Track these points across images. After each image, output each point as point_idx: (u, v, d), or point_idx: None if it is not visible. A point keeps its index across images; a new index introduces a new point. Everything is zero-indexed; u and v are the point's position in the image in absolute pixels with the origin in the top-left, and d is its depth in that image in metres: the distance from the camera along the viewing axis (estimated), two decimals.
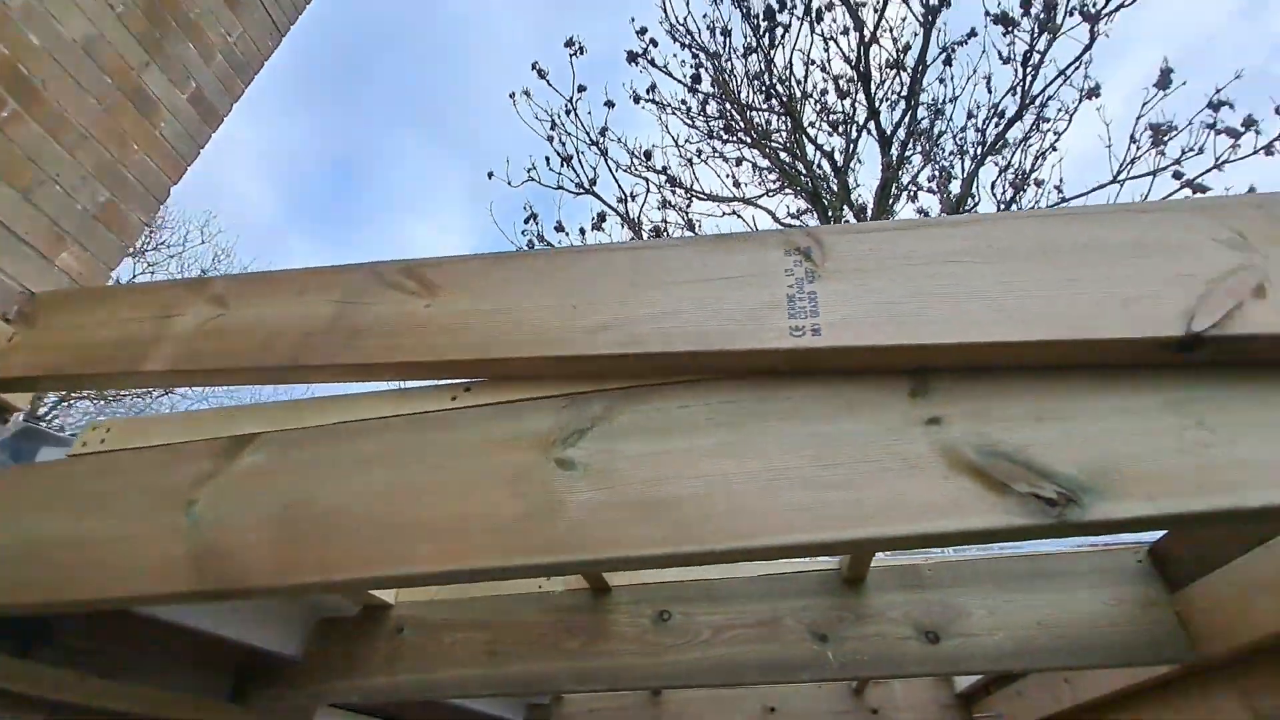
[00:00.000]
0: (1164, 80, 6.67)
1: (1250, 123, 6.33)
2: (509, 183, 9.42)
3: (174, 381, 1.32)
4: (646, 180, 9.60)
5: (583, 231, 9.62)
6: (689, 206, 9.79)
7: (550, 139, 9.36)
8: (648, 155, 9.52)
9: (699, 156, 9.78)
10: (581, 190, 9.47)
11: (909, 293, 0.93)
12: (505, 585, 2.18)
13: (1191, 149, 6.69)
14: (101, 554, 1.06)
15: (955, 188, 8.56)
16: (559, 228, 9.33)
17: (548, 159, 9.38)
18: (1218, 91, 6.46)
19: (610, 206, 9.54)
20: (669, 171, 9.60)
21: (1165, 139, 6.84)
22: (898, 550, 1.88)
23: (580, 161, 9.39)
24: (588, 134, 9.35)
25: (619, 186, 9.88)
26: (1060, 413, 0.82)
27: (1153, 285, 0.84)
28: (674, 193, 9.73)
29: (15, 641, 1.45)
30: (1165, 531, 1.63)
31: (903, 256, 0.97)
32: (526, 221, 9.42)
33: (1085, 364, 0.84)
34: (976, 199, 8.39)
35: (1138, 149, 7.06)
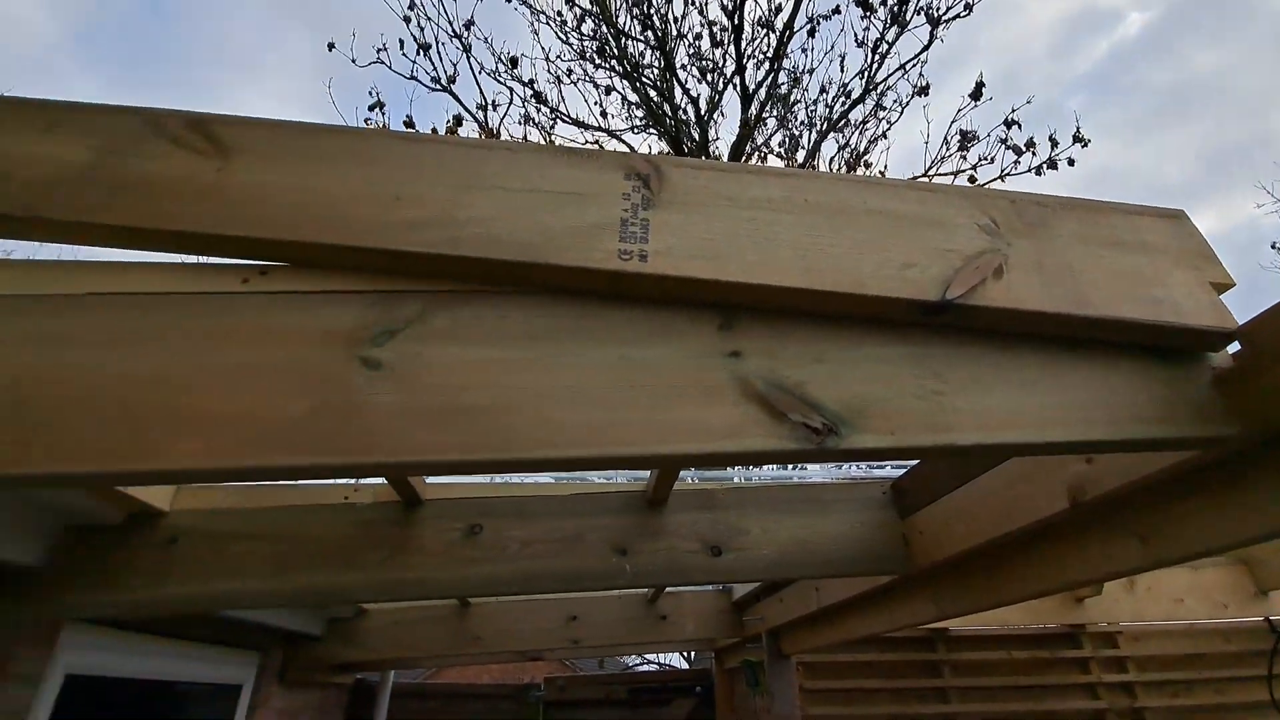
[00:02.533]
0: (977, 93, 7.57)
1: (1031, 144, 7.47)
2: (354, 61, 8.29)
3: None
4: (511, 90, 9.00)
5: (434, 131, 8.81)
6: (553, 127, 9.38)
7: (407, 19, 8.32)
8: (514, 63, 8.89)
9: (569, 77, 9.33)
10: (438, 87, 8.63)
11: (728, 232, 0.98)
12: (305, 497, 2.05)
13: (986, 158, 7.76)
14: None
15: (800, 156, 9.12)
16: (408, 123, 8.45)
17: (401, 42, 8.37)
18: (1013, 111, 7.50)
19: (469, 111, 8.84)
20: (536, 85, 9.07)
21: (969, 145, 7.84)
22: (689, 468, 2.06)
23: (439, 54, 8.52)
24: (450, 24, 8.48)
25: (480, 91, 9.19)
26: (832, 356, 0.94)
27: (925, 255, 0.97)
28: (539, 110, 9.26)
29: None
30: (905, 467, 1.96)
31: (727, 197, 1.02)
32: (371, 109, 8.42)
33: (858, 315, 0.96)
34: (816, 169, 9.04)
35: (947, 150, 8.03)
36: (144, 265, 1.07)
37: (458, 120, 8.71)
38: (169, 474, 0.82)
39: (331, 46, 8.17)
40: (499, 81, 8.92)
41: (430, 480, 2.41)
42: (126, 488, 1.74)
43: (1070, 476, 1.27)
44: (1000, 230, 1.01)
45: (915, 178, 8.37)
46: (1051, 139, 7.40)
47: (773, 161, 9.57)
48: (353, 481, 2.62)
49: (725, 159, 9.03)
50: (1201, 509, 1.13)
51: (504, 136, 9.06)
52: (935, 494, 1.77)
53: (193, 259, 1.10)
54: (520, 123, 9.35)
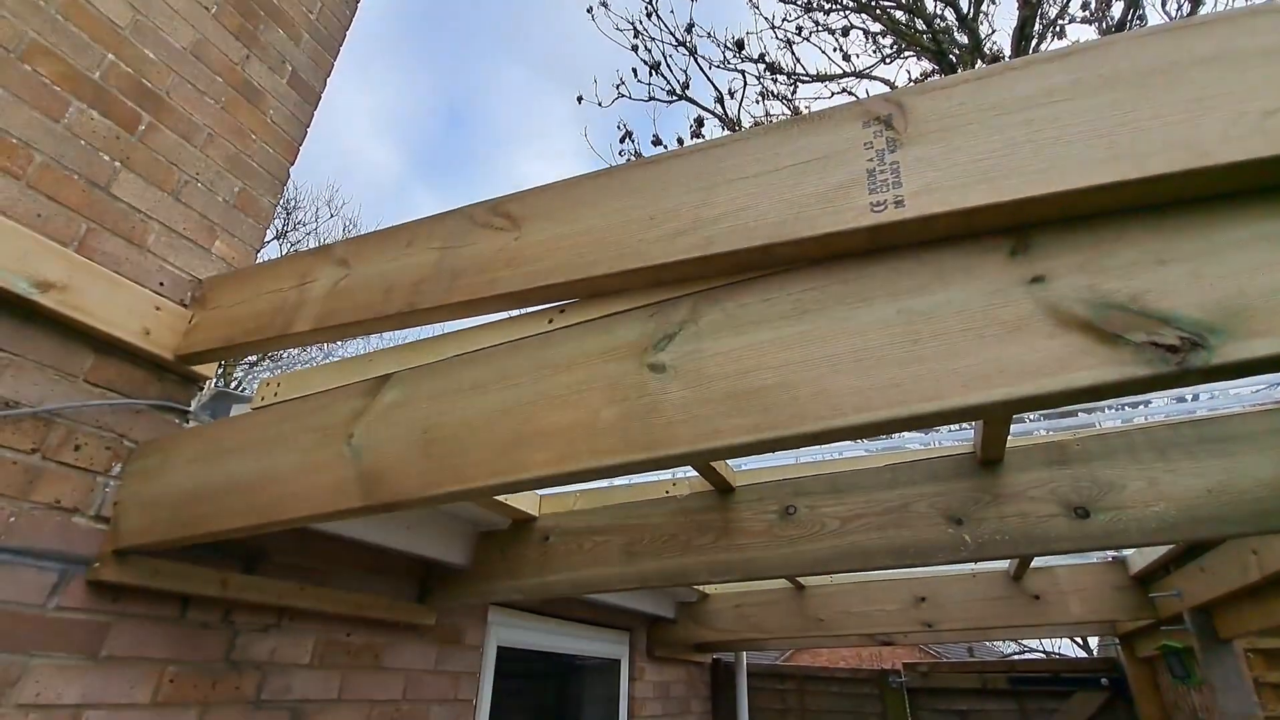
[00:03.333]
0: None
1: None
2: (599, 103, 9.27)
3: (319, 338, 1.50)
4: (743, 73, 9.01)
5: (680, 141, 9.32)
6: (794, 93, 9.08)
7: (634, 48, 9.00)
8: (739, 45, 8.87)
9: (799, 35, 8.91)
10: (674, 97, 9.11)
11: (1001, 146, 0.85)
12: (635, 493, 2.33)
13: None
14: (288, 483, 1.28)
15: (1117, 11, 7.20)
16: (656, 141, 9.08)
17: (635, 70, 9.09)
18: None
19: (706, 109, 9.12)
20: (767, 58, 8.90)
21: None
22: (1003, 416, 1.78)
23: (669, 66, 9.00)
24: (673, 34, 8.90)
25: (713, 85, 9.41)
26: (1184, 253, 0.73)
27: None
28: (775, 81, 9.06)
29: (242, 562, 1.80)
30: None
31: (993, 107, 0.88)
32: (622, 140, 9.28)
33: (1210, 195, 0.73)
34: (1145, 23, 7.05)
35: None
36: (477, 327, 1.36)
37: (699, 122, 9.01)
38: (531, 481, 1.03)
39: (580, 99, 9.23)
40: (729, 69, 9.00)
41: (742, 467, 2.53)
42: (506, 497, 2.21)
43: None
44: None
45: None
46: None
47: (1075, 32, 7.74)
48: (670, 475, 2.89)
49: (1008, 54, 7.61)
50: None
51: (744, 119, 9.08)
52: None
53: (508, 313, 1.36)
54: (759, 100, 9.23)
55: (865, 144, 0.97)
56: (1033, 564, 3.42)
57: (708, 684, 5.42)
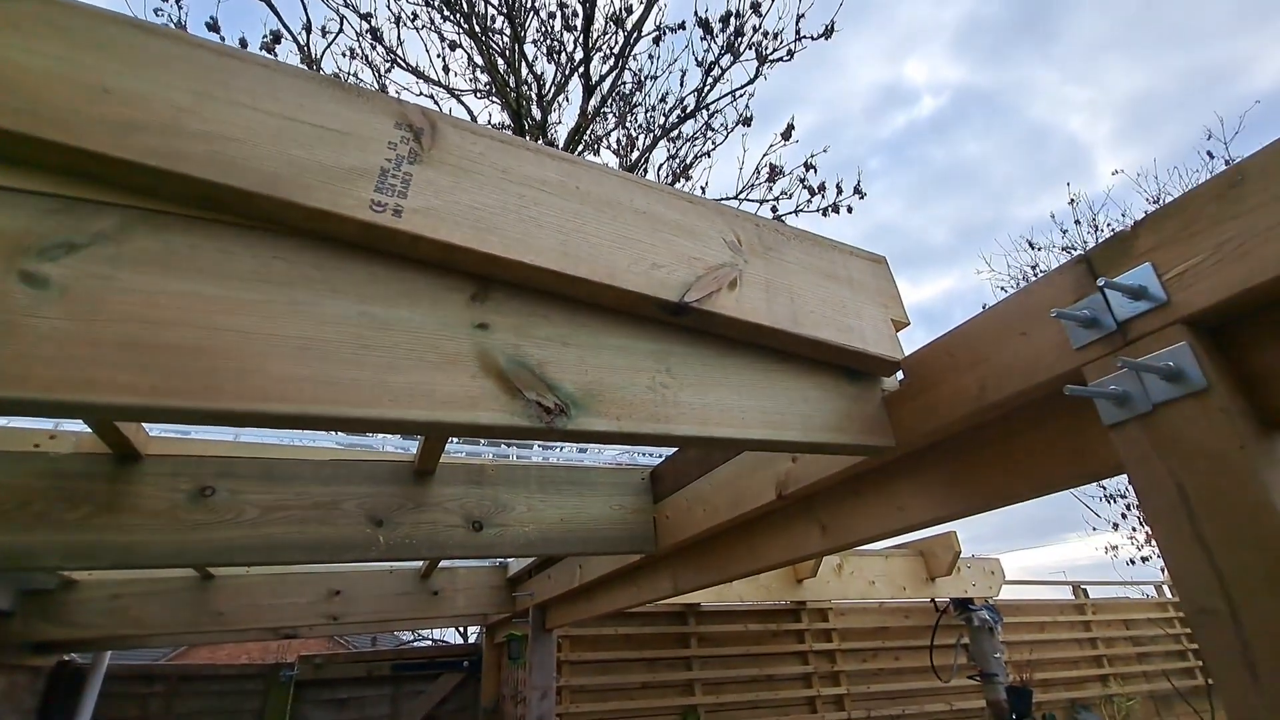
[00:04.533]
0: (788, 133, 8.44)
1: (822, 187, 8.48)
2: None
3: None
4: (343, 18, 7.97)
5: (243, 43, 7.50)
6: (388, 70, 8.50)
7: None
8: None
9: (412, 21, 8.51)
10: None
11: (497, 204, 0.98)
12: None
13: (786, 193, 8.65)
14: None
15: (634, 156, 9.36)
16: (212, 26, 7.08)
17: None
18: (811, 156, 8.46)
19: (289, 31, 7.66)
20: (373, 21, 8.13)
21: (775, 178, 8.68)
22: (417, 435, 2.02)
23: None
24: None
25: (305, 11, 8.03)
26: (579, 341, 0.98)
27: (674, 259, 1.05)
28: (373, 48, 8.34)
29: None
30: (662, 457, 2.12)
31: (502, 170, 1.01)
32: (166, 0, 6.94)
33: (608, 306, 1.02)
34: (645, 173, 9.35)
35: (758, 178, 8.81)
36: None
37: (275, 37, 7.52)
38: None
39: None
40: (329, 6, 7.89)
41: (159, 433, 2.10)
42: None
43: (780, 474, 1.47)
44: (742, 248, 1.13)
45: (726, 198, 9.05)
46: (838, 186, 8.47)
47: (606, 156, 9.71)
48: (51, 424, 2.19)
49: (562, 144, 8.95)
50: (864, 504, 1.38)
51: (329, 68, 8.05)
52: (683, 482, 1.94)
53: None
54: (346, 54, 8.33)
55: (390, 143, 0.98)
56: (440, 565, 3.85)
57: (40, 693, 4.08)
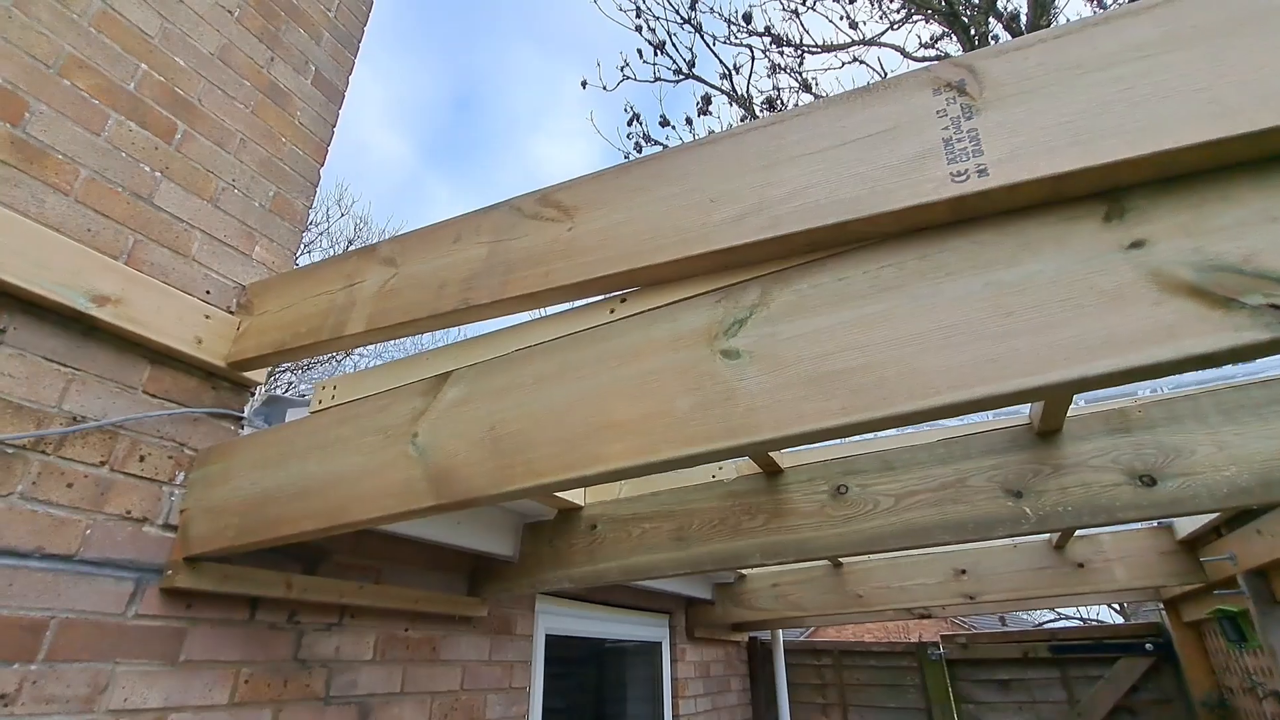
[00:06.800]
0: None
1: None
2: (604, 87, 9.17)
3: (372, 339, 1.51)
4: (750, 48, 8.85)
5: (689, 121, 9.19)
6: (801, 65, 8.92)
7: (638, 28, 8.87)
8: (747, 19, 8.70)
9: (804, 4, 8.76)
10: (680, 76, 8.98)
11: (1089, 106, 0.81)
12: (680, 478, 2.33)
13: None
14: (354, 485, 1.29)
15: None
16: (664, 122, 8.96)
17: (639, 51, 8.97)
18: None
19: (713, 86, 8.98)
20: (773, 31, 8.75)
21: None
22: (1103, 388, 1.73)
23: (674, 45, 8.87)
24: (677, 12, 8.75)
25: (720, 62, 9.28)
26: None
27: None
28: (782, 54, 8.91)
29: (304, 564, 1.82)
30: None
31: (1075, 66, 0.84)
32: (629, 124, 9.19)
33: None
34: None
35: None
36: (536, 321, 1.35)
37: (706, 100, 8.88)
38: (609, 474, 1.02)
39: (585, 84, 9.12)
40: (736, 44, 8.84)
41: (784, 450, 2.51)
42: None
43: None
44: None
45: None
46: None
47: None
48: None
49: (1024, 10, 7.39)
50: None
51: (754, 96, 8.93)
52: None
53: (564, 306, 1.35)
54: (768, 74, 9.07)
55: (938, 111, 0.93)
56: (1076, 533, 3.37)
57: (745, 662, 5.48)
